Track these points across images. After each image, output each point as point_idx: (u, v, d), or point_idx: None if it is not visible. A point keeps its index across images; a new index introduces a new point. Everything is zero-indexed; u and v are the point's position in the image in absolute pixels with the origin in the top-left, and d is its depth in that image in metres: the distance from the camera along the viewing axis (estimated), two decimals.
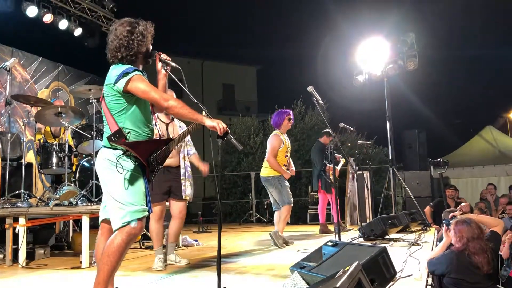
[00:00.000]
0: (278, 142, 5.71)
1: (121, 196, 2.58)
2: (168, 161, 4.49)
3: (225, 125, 2.62)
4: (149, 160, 2.67)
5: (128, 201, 2.57)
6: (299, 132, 12.86)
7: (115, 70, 2.65)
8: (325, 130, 7.54)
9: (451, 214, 4.41)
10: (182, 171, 4.59)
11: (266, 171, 5.76)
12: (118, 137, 2.58)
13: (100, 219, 2.83)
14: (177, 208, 4.56)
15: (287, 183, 5.78)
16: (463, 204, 6.85)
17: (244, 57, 27.08)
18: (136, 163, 2.64)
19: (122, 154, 2.61)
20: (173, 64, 2.91)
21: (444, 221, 4.29)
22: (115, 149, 2.63)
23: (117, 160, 2.60)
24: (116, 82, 2.59)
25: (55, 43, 9.79)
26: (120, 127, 2.61)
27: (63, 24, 8.99)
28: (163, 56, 2.88)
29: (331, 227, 7.16)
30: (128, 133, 2.62)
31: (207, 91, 25.35)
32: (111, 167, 2.61)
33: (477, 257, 3.43)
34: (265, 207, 11.17)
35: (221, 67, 26.44)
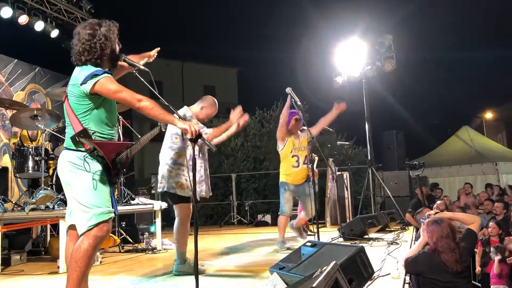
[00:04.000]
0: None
1: (85, 199, 2.54)
2: None
3: (197, 128, 2.61)
4: (114, 161, 2.63)
5: (93, 204, 2.53)
6: None
7: (84, 71, 2.61)
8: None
9: (426, 213, 4.47)
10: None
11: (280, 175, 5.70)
12: (83, 137, 2.55)
13: (67, 225, 2.78)
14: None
15: (289, 192, 5.52)
16: (438, 202, 7.00)
17: (225, 58, 27.06)
18: (101, 164, 2.60)
19: (89, 153, 2.57)
20: (141, 66, 2.89)
21: (421, 220, 4.36)
22: (77, 150, 2.59)
23: (83, 159, 2.56)
24: (83, 82, 2.56)
25: (31, 45, 9.59)
26: (84, 127, 2.58)
27: (39, 26, 8.81)
28: (129, 58, 2.86)
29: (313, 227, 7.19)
30: (93, 133, 2.59)
31: (188, 92, 25.23)
32: (74, 169, 2.57)
33: (445, 255, 3.49)
34: (246, 208, 11.19)
35: (201, 69, 26.34)
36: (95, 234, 2.50)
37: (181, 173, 3.98)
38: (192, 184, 2.80)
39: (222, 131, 4.15)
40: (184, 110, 4.14)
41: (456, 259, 3.49)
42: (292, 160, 5.55)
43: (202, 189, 4.13)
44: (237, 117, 4.10)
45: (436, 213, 4.38)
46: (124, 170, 2.74)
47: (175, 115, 2.78)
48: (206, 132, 4.06)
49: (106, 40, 2.69)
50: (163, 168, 4.04)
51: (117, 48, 2.79)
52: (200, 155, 4.13)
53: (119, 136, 3.01)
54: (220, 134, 4.16)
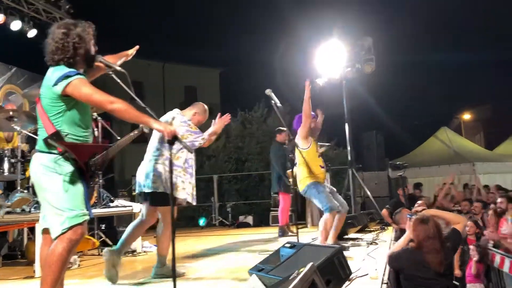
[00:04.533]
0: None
1: (58, 202, 2.50)
2: None
3: (173, 129, 2.59)
4: (88, 163, 2.60)
5: (66, 207, 2.49)
6: (262, 134, 12.94)
7: (57, 72, 2.58)
8: (279, 128, 7.60)
9: (414, 209, 4.48)
10: None
11: (299, 184, 5.10)
12: (55, 139, 2.52)
13: (41, 229, 2.74)
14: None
15: (325, 187, 5.04)
16: (419, 202, 7.10)
17: (207, 59, 27.00)
18: (74, 167, 2.56)
19: (60, 156, 2.53)
20: (117, 67, 2.86)
21: (408, 215, 4.38)
22: (50, 153, 2.55)
23: (56, 162, 2.52)
24: (55, 84, 2.53)
25: (8, 45, 9.43)
26: (57, 129, 2.55)
27: (15, 25, 8.64)
28: (106, 59, 2.84)
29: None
30: (66, 135, 2.55)
31: (169, 94, 25.08)
32: (47, 172, 2.53)
33: (429, 256, 3.51)
34: (228, 210, 11.17)
35: (183, 70, 26.20)
36: (70, 238, 2.46)
37: (177, 174, 3.89)
38: (170, 185, 2.77)
39: (213, 137, 4.28)
40: (178, 115, 4.11)
41: (440, 260, 3.50)
42: (319, 160, 5.15)
43: (194, 193, 4.08)
44: (223, 124, 4.24)
45: (423, 209, 4.37)
46: (100, 172, 2.70)
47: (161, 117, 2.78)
48: (204, 137, 4.07)
49: (80, 40, 2.66)
50: (159, 168, 3.84)
51: (92, 49, 2.76)
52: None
53: (94, 137, 2.95)
54: (212, 140, 4.32)
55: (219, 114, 4.31)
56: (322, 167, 5.11)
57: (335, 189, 5.29)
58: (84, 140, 2.68)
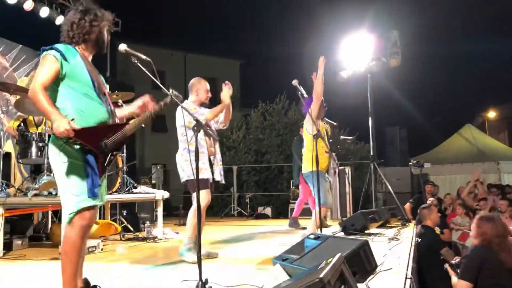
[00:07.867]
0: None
1: (63, 188, 2.47)
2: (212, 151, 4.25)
3: (64, 129, 2.31)
4: (101, 147, 2.51)
5: (72, 192, 2.44)
6: (282, 127, 12.91)
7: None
8: None
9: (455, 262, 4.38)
10: (218, 156, 4.37)
11: (304, 165, 5.23)
12: None
13: None
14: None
15: (327, 180, 5.14)
16: (431, 198, 7.08)
17: (228, 51, 26.98)
18: (82, 151, 2.47)
19: (65, 142, 2.45)
20: (142, 56, 2.87)
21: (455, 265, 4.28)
22: (57, 138, 2.46)
23: (61, 148, 2.46)
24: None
25: (36, 31, 9.56)
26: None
27: (44, 12, 8.78)
28: (127, 48, 2.85)
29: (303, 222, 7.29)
30: (72, 119, 2.39)
31: None
32: (54, 158, 2.49)
33: (504, 254, 3.48)
34: (247, 201, 11.20)
35: (204, 60, 26.24)
36: (78, 223, 2.43)
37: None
38: (196, 170, 2.78)
39: (218, 113, 4.29)
40: (190, 105, 4.25)
41: None
42: (325, 146, 5.06)
43: (218, 171, 4.31)
44: (227, 95, 4.26)
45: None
46: (117, 153, 2.63)
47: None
48: (203, 113, 4.17)
49: (97, 18, 2.67)
50: (180, 160, 4.17)
51: (105, 36, 2.74)
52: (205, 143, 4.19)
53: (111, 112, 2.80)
54: (216, 115, 4.31)
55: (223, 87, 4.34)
56: (327, 152, 5.12)
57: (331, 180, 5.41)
58: (98, 119, 2.58)
